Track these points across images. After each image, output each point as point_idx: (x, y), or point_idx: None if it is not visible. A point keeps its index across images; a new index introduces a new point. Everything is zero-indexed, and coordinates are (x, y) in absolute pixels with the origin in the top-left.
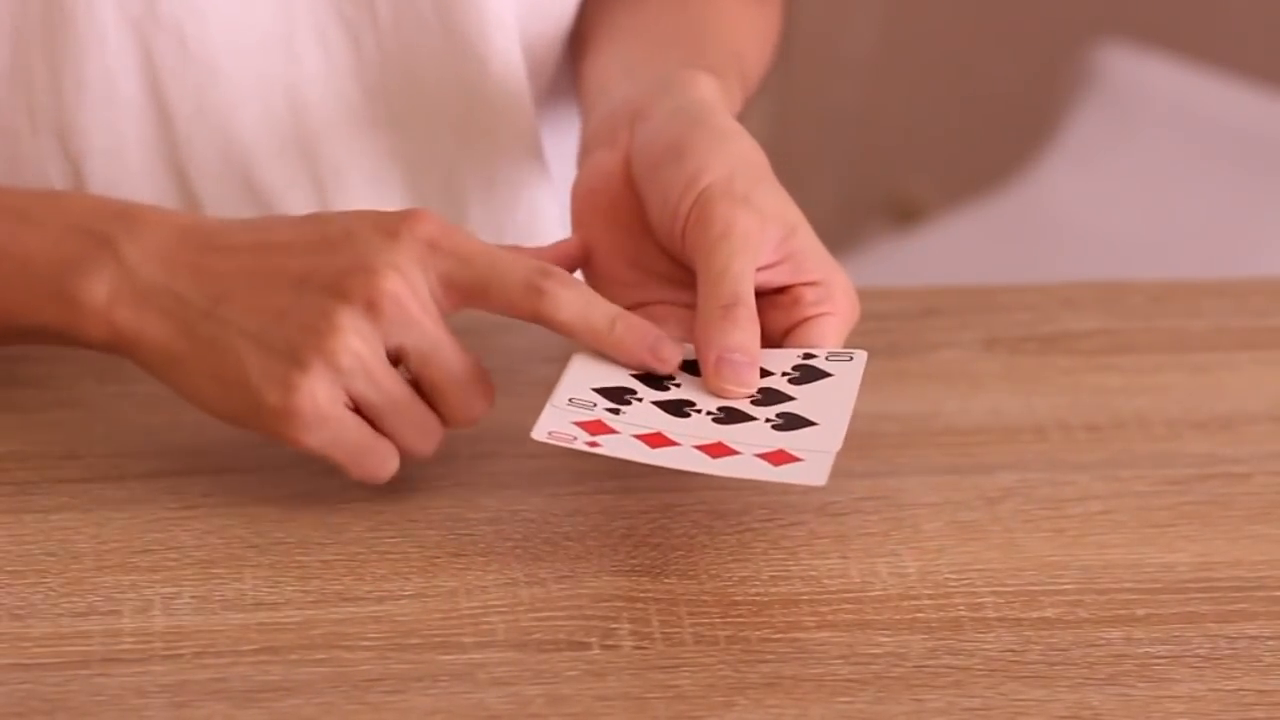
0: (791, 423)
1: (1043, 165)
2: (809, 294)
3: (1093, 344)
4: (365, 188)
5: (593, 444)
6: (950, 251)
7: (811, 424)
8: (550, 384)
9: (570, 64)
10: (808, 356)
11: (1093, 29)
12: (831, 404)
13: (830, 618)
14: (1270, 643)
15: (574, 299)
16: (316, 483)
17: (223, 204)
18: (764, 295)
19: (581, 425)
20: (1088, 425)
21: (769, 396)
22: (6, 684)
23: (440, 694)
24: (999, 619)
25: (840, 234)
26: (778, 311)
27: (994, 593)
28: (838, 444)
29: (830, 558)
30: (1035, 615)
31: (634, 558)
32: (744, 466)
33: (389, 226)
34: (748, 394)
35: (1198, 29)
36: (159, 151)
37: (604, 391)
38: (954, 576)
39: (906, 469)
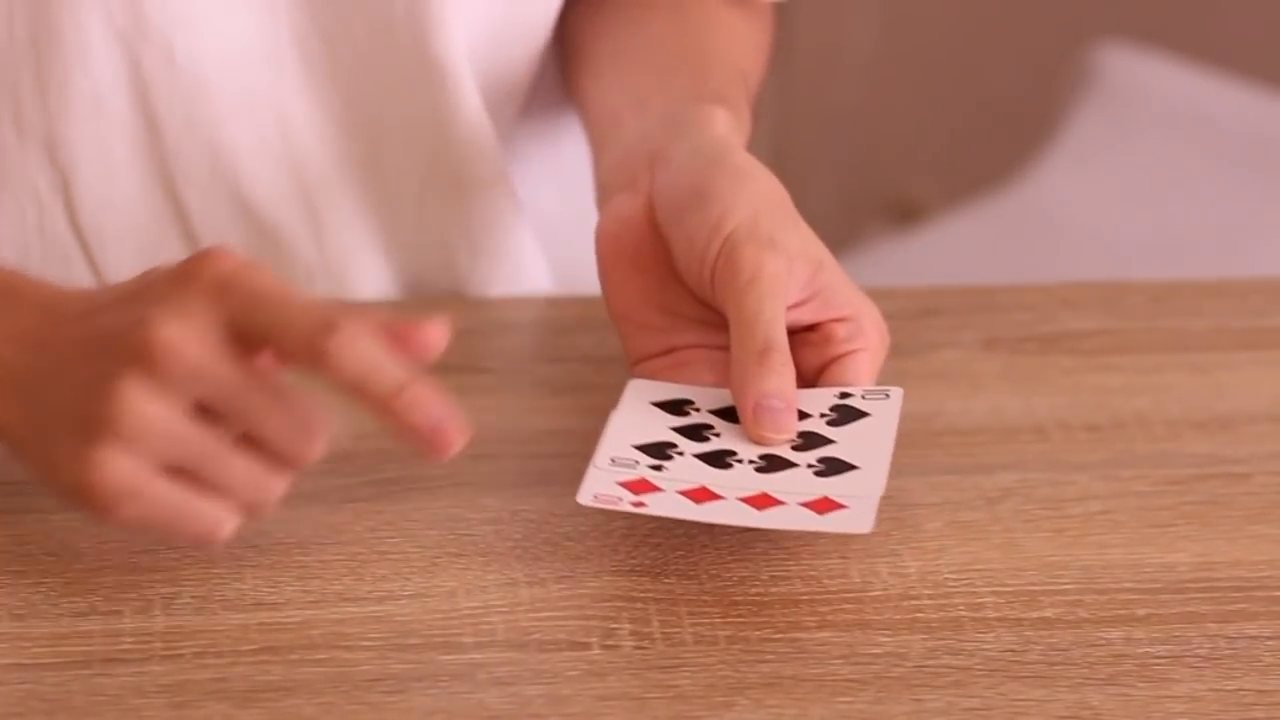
0: (833, 468)
1: (1043, 165)
2: (840, 330)
3: (1093, 344)
4: (350, 196)
5: (638, 504)
6: (950, 251)
7: (853, 468)
8: (550, 384)
9: (565, 83)
10: (844, 396)
11: (1093, 29)
12: (871, 445)
13: (830, 618)
14: (1270, 643)
15: (358, 360)
16: (317, 483)
17: (211, 215)
18: (795, 334)
19: (626, 485)
20: (1088, 425)
21: (809, 440)
22: (6, 684)
23: (440, 694)
24: (999, 619)
25: (840, 234)
26: (810, 350)
27: (994, 593)
28: (881, 488)
29: (830, 558)
30: (1035, 615)
31: (634, 558)
32: (790, 518)
33: (180, 271)
34: (787, 439)
35: (1198, 29)
36: (148, 163)
37: (645, 448)
38: (954, 576)
39: (906, 469)
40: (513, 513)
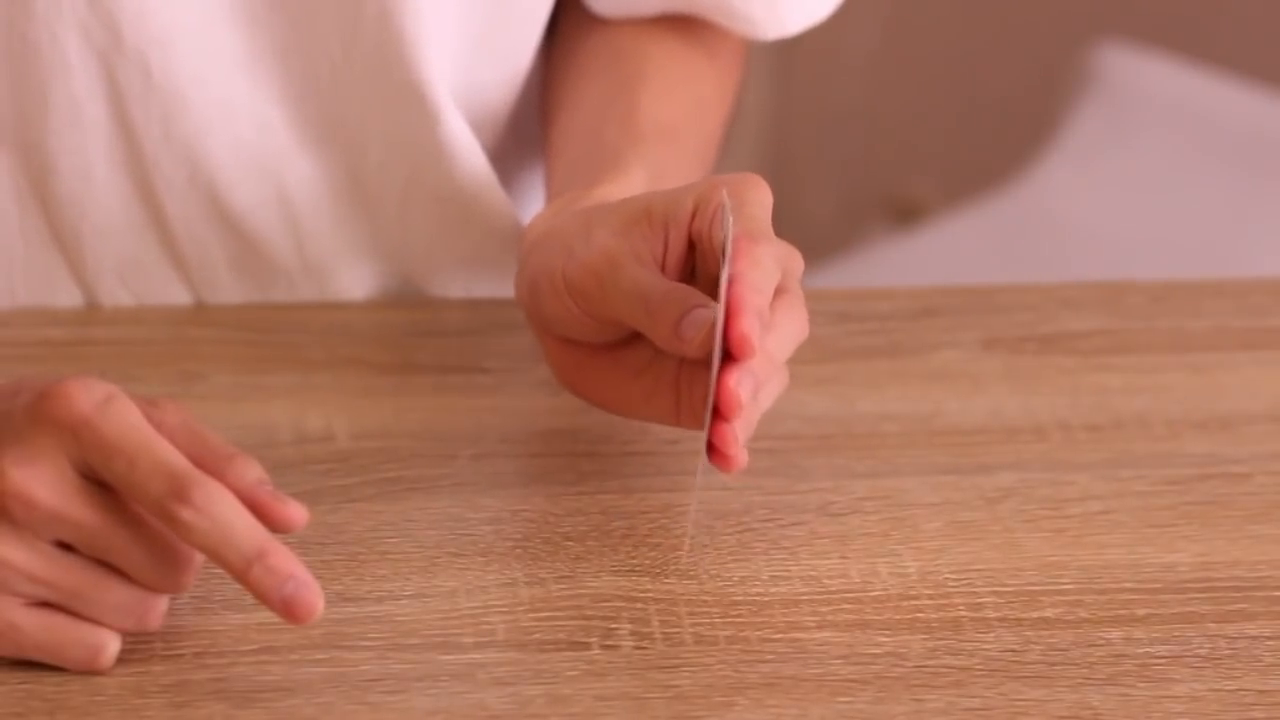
0: None
1: (1043, 165)
2: (696, 224)
3: (1093, 344)
4: (331, 203)
5: None
6: (950, 251)
7: None
8: (550, 384)
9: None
10: None
11: (1093, 29)
12: None
13: (830, 618)
14: (1270, 643)
15: (210, 531)
16: (316, 483)
17: (189, 221)
18: (686, 256)
19: None
20: (1088, 425)
21: None
22: (6, 684)
23: (440, 694)
24: (999, 619)
25: (840, 234)
26: (702, 260)
27: (994, 593)
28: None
29: (830, 558)
30: (1035, 615)
31: (634, 558)
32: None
33: (35, 408)
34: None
35: (1198, 29)
36: (126, 171)
37: None
38: (954, 576)
39: (907, 469)
40: (513, 513)
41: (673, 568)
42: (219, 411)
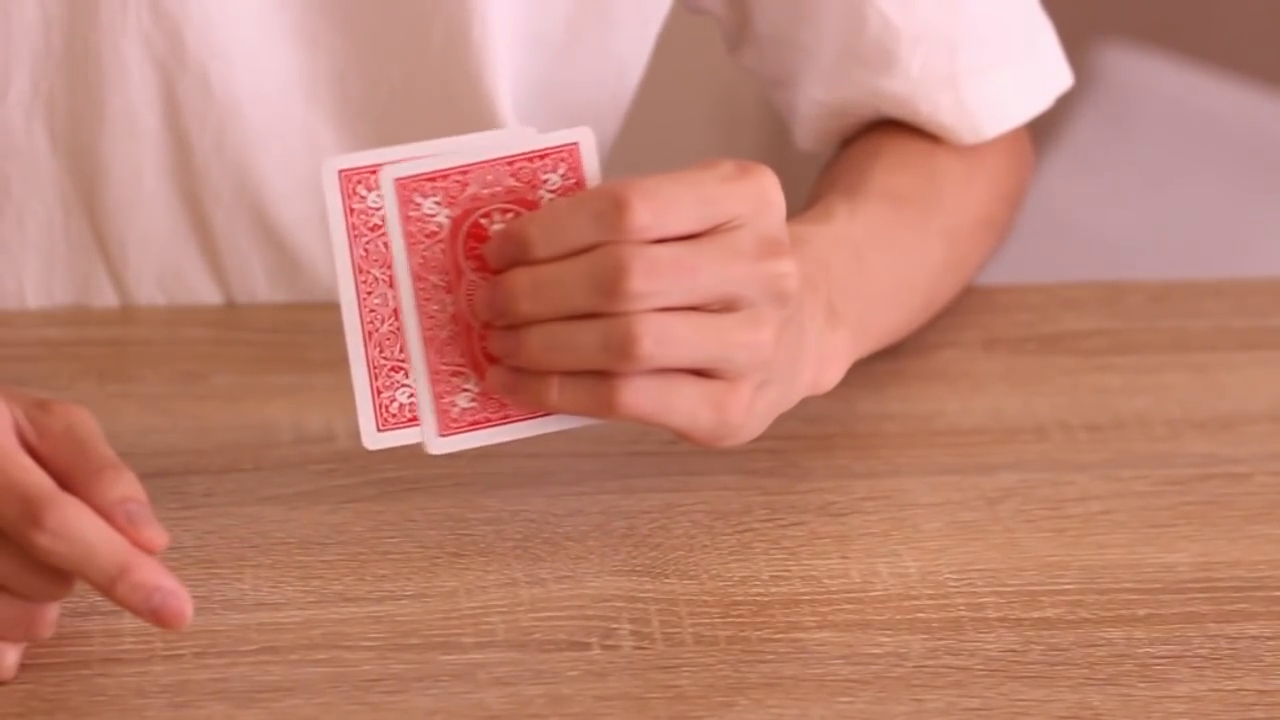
0: None
1: (1043, 165)
2: None
3: (1093, 344)
4: None
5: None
6: None
7: None
8: None
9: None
10: None
11: (1093, 29)
12: None
13: (830, 618)
14: (1271, 643)
15: (69, 553)
16: (316, 483)
17: (233, 233)
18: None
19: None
20: (1088, 425)
21: None
22: (7, 684)
23: (440, 694)
24: (999, 619)
25: None
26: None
27: (994, 593)
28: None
29: (831, 558)
30: (1036, 615)
31: (634, 558)
32: None
33: None
34: None
35: (1198, 29)
36: (175, 181)
37: None
38: (954, 576)
39: (907, 469)
40: (513, 513)
41: (673, 568)
42: (219, 411)
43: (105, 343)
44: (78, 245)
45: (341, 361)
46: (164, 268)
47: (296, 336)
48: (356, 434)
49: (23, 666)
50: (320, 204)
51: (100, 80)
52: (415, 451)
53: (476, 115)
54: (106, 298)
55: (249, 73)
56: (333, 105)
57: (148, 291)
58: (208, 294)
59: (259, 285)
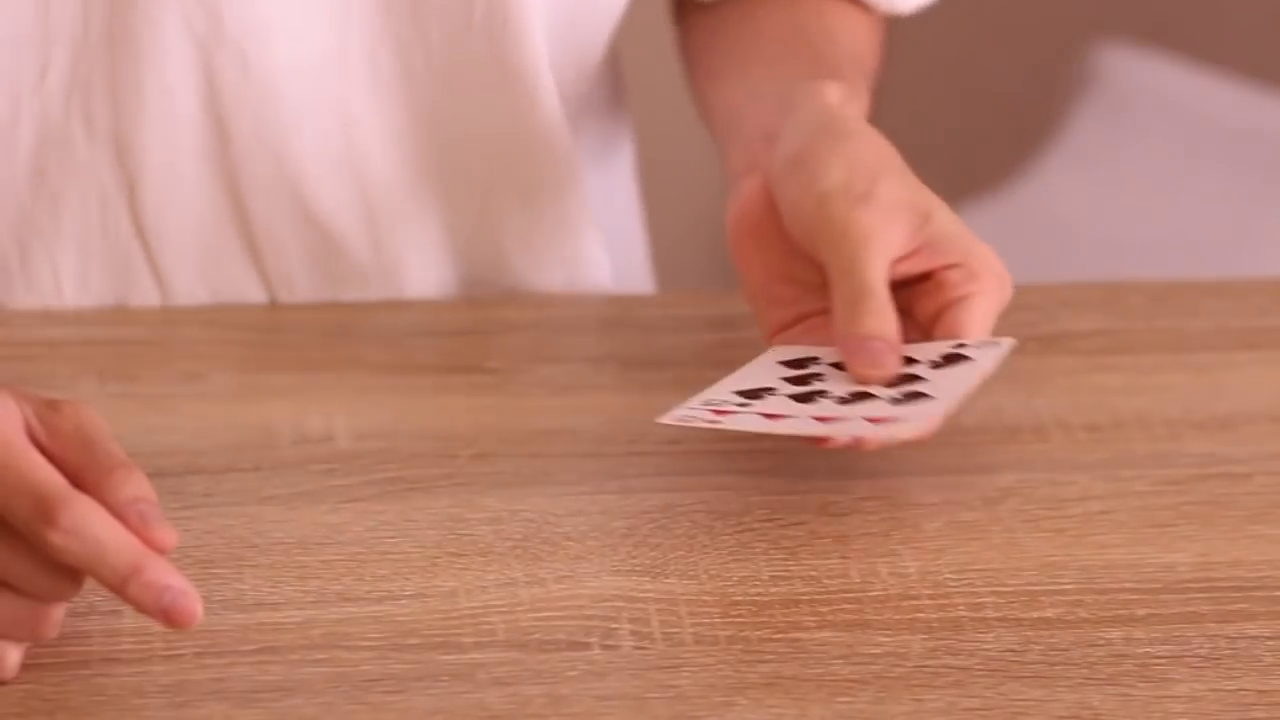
0: (911, 397)
1: (1043, 165)
2: (952, 276)
3: (1093, 344)
4: (411, 203)
5: (714, 420)
6: None
7: (929, 398)
8: (550, 384)
9: (695, 96)
10: (958, 346)
11: (1093, 29)
12: (956, 381)
13: (830, 618)
14: (1270, 643)
15: (80, 551)
16: (317, 483)
17: (271, 219)
18: (910, 284)
19: (710, 409)
20: (1088, 425)
21: (902, 380)
22: (6, 684)
23: (440, 694)
24: (999, 619)
25: None
26: (924, 298)
27: (994, 593)
28: (944, 409)
29: (830, 558)
30: (1035, 615)
31: (634, 558)
32: (848, 428)
33: None
34: (885, 376)
35: (1198, 29)
36: (213, 165)
37: (743, 392)
38: (954, 576)
39: (906, 469)
40: (513, 513)
41: (673, 568)
42: (219, 411)
43: (105, 343)
44: (115, 234)
45: (341, 361)
46: (203, 257)
47: (296, 336)
48: (356, 434)
49: (23, 666)
50: (357, 185)
51: (138, 62)
52: (415, 451)
53: (512, 73)
54: (144, 287)
55: (285, 49)
56: (365, 78)
57: (186, 278)
58: (247, 282)
59: (296, 272)
